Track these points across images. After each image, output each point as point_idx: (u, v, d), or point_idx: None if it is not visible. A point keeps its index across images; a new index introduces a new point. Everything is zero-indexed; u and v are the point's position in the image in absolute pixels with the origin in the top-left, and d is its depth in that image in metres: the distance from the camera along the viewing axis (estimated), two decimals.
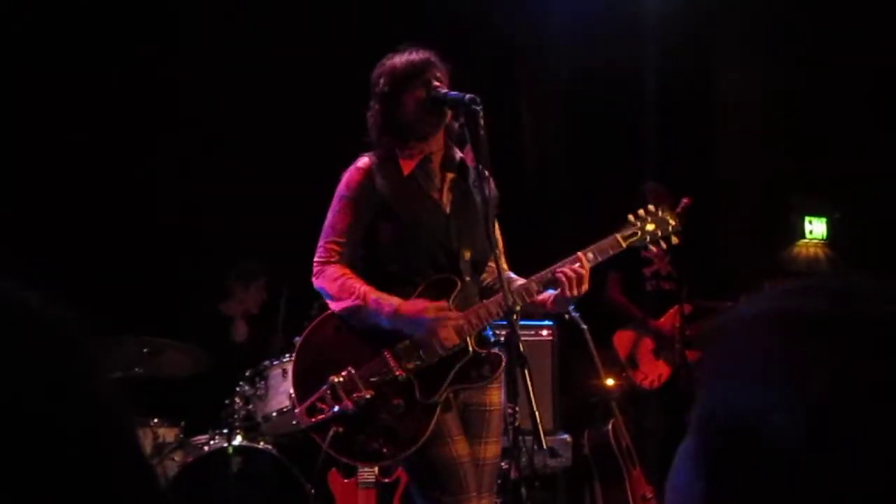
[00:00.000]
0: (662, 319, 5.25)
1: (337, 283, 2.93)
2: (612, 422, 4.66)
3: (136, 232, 5.11)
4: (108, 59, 5.12)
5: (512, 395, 2.76)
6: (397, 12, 5.07)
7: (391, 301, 2.88)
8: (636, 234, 3.10)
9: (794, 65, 6.06)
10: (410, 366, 2.90)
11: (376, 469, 4.10)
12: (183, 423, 4.51)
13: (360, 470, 4.12)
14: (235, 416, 4.32)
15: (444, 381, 2.91)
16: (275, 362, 4.40)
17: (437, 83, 2.96)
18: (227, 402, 4.36)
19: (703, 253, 5.40)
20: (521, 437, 3.13)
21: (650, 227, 3.12)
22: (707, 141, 6.30)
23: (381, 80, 3.01)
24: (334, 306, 2.96)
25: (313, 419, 2.90)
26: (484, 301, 2.95)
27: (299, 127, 5.23)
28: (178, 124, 5.27)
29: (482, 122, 2.85)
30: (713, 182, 6.22)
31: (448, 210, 3.01)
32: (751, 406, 0.60)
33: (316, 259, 3.00)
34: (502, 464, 3.67)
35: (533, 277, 2.98)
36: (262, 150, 5.33)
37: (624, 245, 3.06)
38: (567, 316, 4.49)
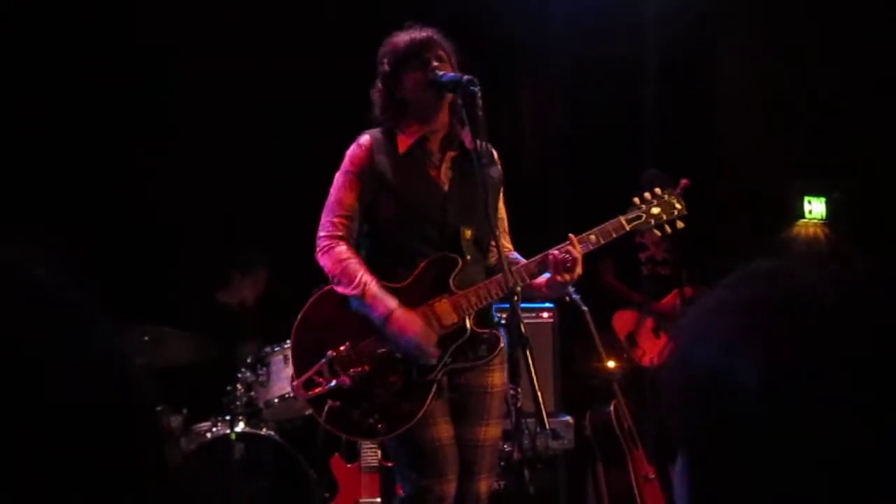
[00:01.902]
0: (663, 302, 5.26)
1: (340, 266, 2.92)
2: (613, 403, 4.67)
3: (135, 220, 5.10)
4: (110, 55, 5.11)
5: (514, 376, 2.75)
6: (399, 3, 5.05)
7: (387, 304, 2.87)
8: (641, 216, 3.08)
9: (794, 48, 6.04)
10: None
11: (379, 453, 4.11)
12: (185, 411, 4.52)
13: (363, 454, 4.13)
14: (237, 403, 4.33)
15: (441, 360, 2.91)
16: (276, 349, 4.41)
17: (436, 63, 2.95)
18: (228, 388, 4.37)
19: (703, 234, 5.40)
20: (523, 420, 3.13)
21: (655, 210, 3.10)
22: (706, 121, 6.29)
23: (385, 60, 3.03)
24: (335, 288, 2.95)
25: (310, 393, 2.91)
26: (485, 281, 2.95)
27: (300, 117, 5.22)
28: (178, 112, 5.26)
29: (480, 102, 2.85)
30: (712, 163, 6.21)
31: (446, 188, 3.01)
32: (712, 369, 0.74)
33: (323, 234, 2.98)
34: (505, 446, 3.68)
35: (531, 259, 2.99)
36: (264, 141, 5.32)
37: (628, 227, 3.05)
38: (568, 298, 4.49)
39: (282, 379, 4.35)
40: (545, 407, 2.72)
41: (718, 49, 6.40)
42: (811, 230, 6.31)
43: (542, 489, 4.35)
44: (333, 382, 2.88)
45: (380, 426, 2.89)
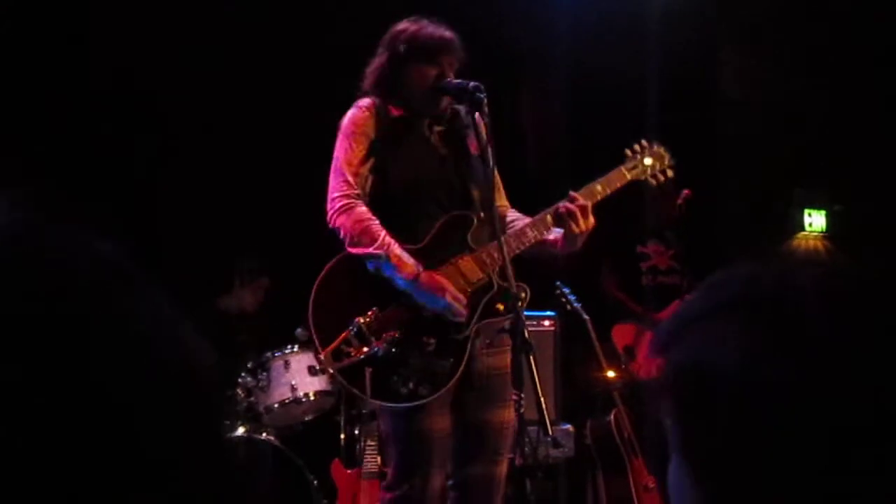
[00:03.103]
0: (664, 313, 5.25)
1: (362, 225, 2.85)
2: (613, 412, 4.67)
3: (135, 223, 5.09)
4: (112, 55, 5.12)
5: (517, 382, 2.75)
6: (402, 9, 5.06)
7: (413, 264, 2.84)
8: (637, 166, 3.15)
9: (795, 59, 6.07)
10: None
11: (379, 459, 4.10)
12: None
13: (364, 460, 4.12)
14: (238, 408, 4.32)
15: (472, 316, 2.89)
16: (276, 353, 4.39)
17: (449, 70, 2.95)
18: (229, 393, 4.36)
19: (703, 245, 5.41)
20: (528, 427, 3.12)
21: (647, 160, 3.17)
22: (708, 134, 6.31)
23: (401, 38, 2.96)
24: (352, 249, 2.87)
25: (341, 363, 2.81)
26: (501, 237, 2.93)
27: (305, 126, 5.22)
28: (180, 116, 5.26)
29: (486, 109, 2.86)
30: (714, 175, 6.23)
31: (445, 153, 3.00)
32: (700, 359, 0.76)
33: (337, 194, 2.89)
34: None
35: (541, 213, 2.96)
36: (267, 146, 5.32)
37: (628, 176, 3.11)
38: (569, 307, 4.50)
39: (282, 384, 4.34)
40: (547, 414, 2.72)
41: (720, 57, 6.42)
42: (811, 243, 6.32)
43: (543, 498, 4.34)
44: (366, 349, 2.80)
45: (421, 389, 2.82)
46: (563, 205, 2.93)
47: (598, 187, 3.02)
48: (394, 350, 2.83)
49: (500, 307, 2.92)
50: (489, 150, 2.88)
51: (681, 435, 0.78)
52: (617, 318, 5.29)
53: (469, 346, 2.89)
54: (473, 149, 3.02)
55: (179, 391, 0.59)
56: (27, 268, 0.57)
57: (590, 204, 2.94)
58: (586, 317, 4.50)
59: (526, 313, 2.90)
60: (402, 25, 3.01)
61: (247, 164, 5.30)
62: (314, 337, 2.88)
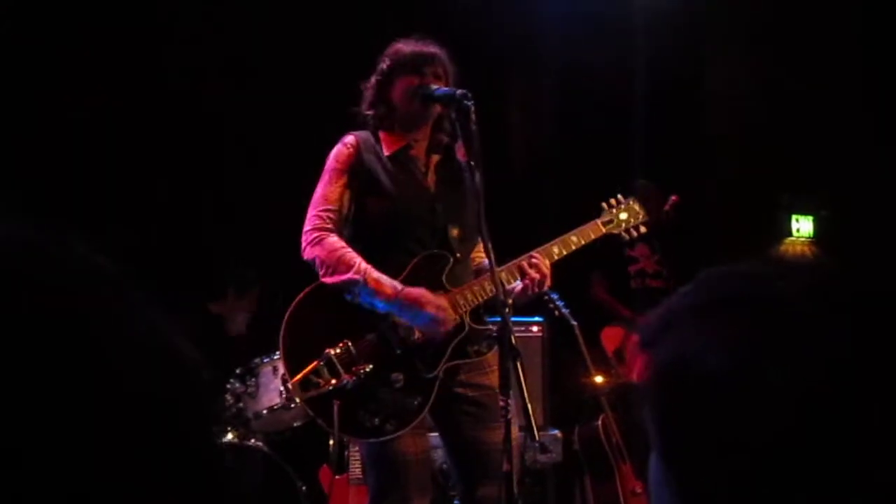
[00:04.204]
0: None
1: (336, 255, 2.88)
2: (601, 418, 4.68)
3: (130, 228, 5.08)
4: (115, 67, 5.11)
5: (505, 388, 2.76)
6: (388, 9, 5.08)
7: (393, 283, 2.86)
8: (612, 220, 3.22)
9: (783, 63, 6.09)
10: (408, 341, 2.89)
11: None
12: None
13: (352, 466, 4.12)
14: (226, 414, 4.31)
15: (442, 356, 2.91)
16: (265, 359, 4.39)
17: (432, 79, 2.97)
18: (219, 400, 4.35)
19: (691, 250, 5.43)
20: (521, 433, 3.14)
21: (623, 215, 3.24)
22: (696, 139, 6.33)
23: (386, 59, 3.03)
24: (328, 279, 2.90)
25: (309, 393, 2.83)
26: (477, 279, 2.97)
27: (307, 134, 5.22)
28: (180, 124, 5.26)
29: (473, 116, 2.87)
30: (701, 180, 6.25)
31: (433, 190, 3.02)
32: (687, 356, 0.76)
33: (309, 228, 2.94)
34: None
35: (504, 267, 3.00)
36: (266, 153, 5.32)
37: (603, 230, 3.18)
38: (557, 312, 4.51)
39: (271, 390, 4.34)
40: (535, 420, 2.73)
41: (708, 56, 6.45)
42: (798, 248, 6.34)
43: (531, 503, 4.35)
44: (334, 382, 2.82)
45: (387, 425, 2.85)
46: (528, 274, 2.98)
47: (574, 238, 3.10)
48: (363, 384, 2.84)
49: (471, 350, 2.95)
50: (477, 160, 2.89)
51: (662, 434, 0.77)
52: (605, 322, 5.31)
53: (437, 385, 2.90)
54: (461, 156, 3.04)
55: (171, 398, 0.59)
56: (20, 277, 0.57)
57: (548, 271, 3.00)
58: (574, 322, 4.51)
59: (513, 319, 2.91)
60: (388, 49, 3.07)
61: (245, 171, 5.30)
62: (283, 364, 2.92)
